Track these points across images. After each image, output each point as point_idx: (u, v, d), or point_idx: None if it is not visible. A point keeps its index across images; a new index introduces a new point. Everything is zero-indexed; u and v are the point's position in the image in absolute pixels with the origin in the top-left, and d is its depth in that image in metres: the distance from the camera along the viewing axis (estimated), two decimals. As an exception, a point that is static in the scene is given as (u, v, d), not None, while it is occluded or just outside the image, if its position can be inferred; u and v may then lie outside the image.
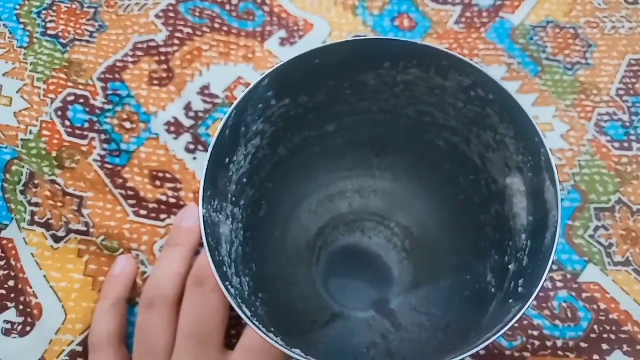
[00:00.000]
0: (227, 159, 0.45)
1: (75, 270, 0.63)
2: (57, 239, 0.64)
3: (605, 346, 0.60)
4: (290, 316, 0.55)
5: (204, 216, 0.40)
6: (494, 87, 0.42)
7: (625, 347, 0.60)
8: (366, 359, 0.54)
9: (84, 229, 0.64)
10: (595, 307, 0.62)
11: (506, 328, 0.36)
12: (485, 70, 0.42)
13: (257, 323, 0.38)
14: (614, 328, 0.61)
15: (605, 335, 0.60)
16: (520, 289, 0.41)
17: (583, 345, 0.60)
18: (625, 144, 0.69)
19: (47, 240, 0.64)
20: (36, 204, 0.65)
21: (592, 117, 0.71)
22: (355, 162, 0.58)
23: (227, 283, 0.39)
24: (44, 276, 0.62)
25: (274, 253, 0.56)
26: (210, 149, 0.41)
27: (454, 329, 0.51)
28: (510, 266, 0.45)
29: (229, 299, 0.37)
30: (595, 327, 0.61)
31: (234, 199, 0.47)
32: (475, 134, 0.48)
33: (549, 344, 0.60)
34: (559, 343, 0.60)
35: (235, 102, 0.42)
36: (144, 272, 0.64)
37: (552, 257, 0.37)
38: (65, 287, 0.62)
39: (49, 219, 0.65)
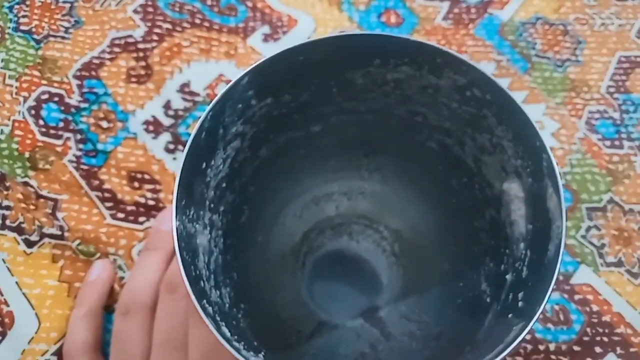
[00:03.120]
0: (204, 164, 0.41)
1: (49, 276, 0.59)
2: (29, 244, 0.60)
3: (598, 349, 0.58)
4: (275, 326, 0.51)
5: (177, 229, 0.36)
6: (492, 87, 0.39)
7: (618, 350, 0.58)
8: (355, 371, 0.50)
9: (59, 232, 0.61)
10: (587, 309, 0.59)
11: (508, 350, 0.33)
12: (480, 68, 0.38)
13: (235, 344, 0.35)
14: (606, 330, 0.59)
15: (598, 338, 0.58)
16: (520, 303, 0.38)
17: (576, 348, 0.58)
18: (616, 142, 0.67)
19: (19, 245, 0.60)
20: (7, 207, 0.62)
21: (582, 115, 0.68)
22: (343, 164, 0.54)
23: (204, 301, 0.36)
24: (16, 283, 0.59)
25: (256, 260, 0.52)
26: (184, 155, 0.37)
27: (447, 339, 0.48)
28: (507, 276, 0.42)
29: (205, 320, 0.33)
30: (588, 329, 0.59)
31: (212, 205, 0.43)
32: (470, 136, 0.44)
33: (541, 347, 0.58)
34: (552, 347, 0.58)
35: (212, 103, 0.38)
36: (122, 277, 0.60)
37: (557, 272, 0.34)
38: (39, 294, 0.59)
39: (21, 223, 0.61)
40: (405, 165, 0.54)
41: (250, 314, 0.46)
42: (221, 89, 0.39)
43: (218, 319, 0.38)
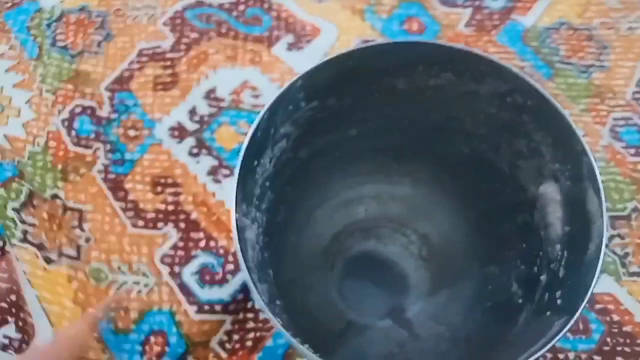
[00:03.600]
0: (256, 162, 0.44)
1: (65, 296, 0.62)
2: (48, 261, 0.64)
3: (619, 359, 0.59)
4: (306, 324, 0.53)
5: (237, 220, 0.38)
6: (534, 93, 0.41)
7: (641, 361, 0.58)
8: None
9: (75, 254, 0.64)
10: (608, 319, 0.60)
11: (553, 342, 0.35)
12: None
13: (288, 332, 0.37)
14: (628, 341, 0.60)
15: (619, 348, 0.59)
16: (559, 301, 0.40)
17: (596, 358, 0.59)
18: (641, 150, 0.67)
19: (38, 259, 0.64)
20: (32, 225, 0.65)
21: (606, 122, 0.69)
22: (374, 168, 0.57)
23: (260, 289, 0.38)
24: (36, 296, 0.62)
25: (290, 259, 0.54)
26: (242, 151, 0.40)
27: (477, 341, 0.50)
28: (541, 277, 0.44)
29: (264, 307, 0.36)
30: (608, 339, 0.60)
31: (257, 202, 0.46)
32: (507, 141, 0.47)
33: (561, 356, 0.59)
34: (571, 356, 0.59)
35: (268, 103, 0.41)
36: (146, 284, 0.63)
37: (599, 269, 0.36)
38: (57, 312, 0.62)
39: (43, 240, 0.64)
40: (436, 170, 0.56)
41: (284, 311, 0.48)
42: (276, 91, 0.42)
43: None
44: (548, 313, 0.39)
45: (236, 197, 0.37)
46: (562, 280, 0.41)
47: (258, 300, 0.35)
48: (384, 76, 0.45)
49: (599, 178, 0.38)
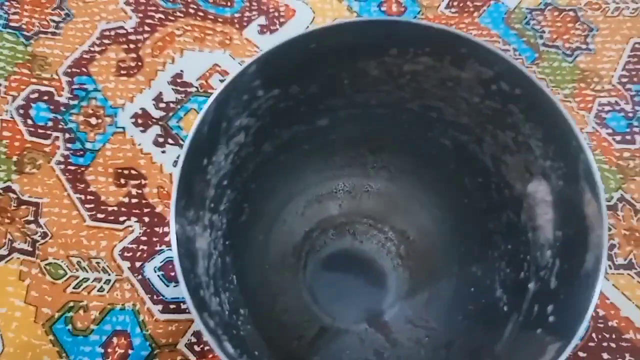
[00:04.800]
0: (205, 160, 0.37)
1: (15, 295, 0.57)
2: None
3: (606, 355, 0.55)
4: (275, 332, 0.48)
5: (177, 233, 0.32)
6: (523, 80, 0.35)
7: (627, 356, 0.55)
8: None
9: (29, 248, 0.58)
10: (593, 314, 0.56)
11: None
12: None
13: None
14: (614, 336, 0.56)
15: (604, 344, 0.56)
16: (551, 318, 0.34)
17: (582, 354, 0.55)
18: (628, 137, 0.64)
19: None
20: None
21: (592, 108, 0.65)
22: (348, 160, 0.51)
23: (206, 314, 0.32)
24: None
25: (256, 261, 0.49)
26: (184, 151, 0.33)
27: (458, 348, 0.45)
28: (529, 285, 0.39)
29: (208, 337, 0.29)
30: (594, 335, 0.56)
31: (212, 205, 0.39)
32: (491, 133, 0.41)
33: None
34: (556, 352, 0.55)
35: (215, 93, 0.34)
36: (108, 280, 0.57)
37: (599, 286, 0.30)
38: (5, 314, 0.56)
39: None
40: (414, 162, 0.50)
41: (249, 320, 0.43)
42: (224, 78, 0.35)
43: (220, 332, 0.34)
44: (539, 331, 0.34)
45: (177, 204, 0.31)
46: (554, 293, 0.35)
47: (202, 330, 0.29)
48: (353, 60, 0.39)
49: (598, 179, 0.32)
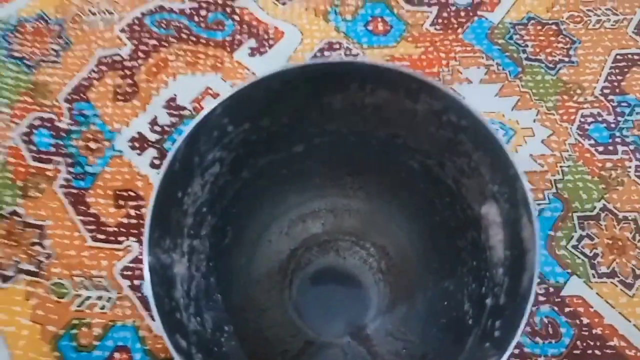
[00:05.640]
0: (180, 193, 0.41)
1: (22, 314, 0.60)
2: (4, 279, 0.61)
3: (590, 362, 0.57)
4: (260, 347, 0.51)
5: (150, 263, 0.36)
6: (466, 113, 0.38)
7: (612, 364, 0.56)
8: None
9: (35, 270, 0.61)
10: (577, 321, 0.58)
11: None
12: (457, 92, 0.38)
13: None
14: (598, 343, 0.58)
15: (589, 351, 0.57)
16: (496, 333, 0.37)
17: None
18: (610, 147, 0.66)
19: None
20: None
21: (575, 120, 0.67)
22: (327, 181, 0.54)
23: (177, 336, 0.36)
24: None
25: (241, 280, 0.52)
26: (156, 187, 0.37)
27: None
28: (487, 300, 0.42)
29: (175, 356, 0.33)
30: (578, 342, 0.58)
31: (191, 231, 0.43)
32: (449, 159, 0.44)
33: None
34: (541, 360, 0.57)
35: (185, 133, 0.38)
36: (109, 298, 0.60)
37: (529, 306, 0.34)
38: (13, 333, 0.59)
39: None
40: (389, 184, 0.53)
41: (234, 336, 0.46)
42: (194, 119, 0.39)
43: (194, 351, 0.37)
44: (487, 345, 0.37)
45: (150, 236, 0.34)
46: (502, 309, 0.38)
47: (170, 350, 0.32)
48: (318, 95, 0.42)
49: (532, 205, 0.35)
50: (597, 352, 0.57)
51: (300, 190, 0.54)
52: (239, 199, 0.48)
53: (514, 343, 0.32)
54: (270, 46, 0.72)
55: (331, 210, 0.57)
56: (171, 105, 0.69)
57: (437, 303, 0.50)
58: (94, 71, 0.70)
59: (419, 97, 0.40)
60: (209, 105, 0.38)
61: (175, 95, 0.69)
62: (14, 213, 0.63)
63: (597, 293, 0.59)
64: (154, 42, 0.72)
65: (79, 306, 0.60)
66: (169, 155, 0.37)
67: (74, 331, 0.59)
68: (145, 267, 0.34)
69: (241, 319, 0.49)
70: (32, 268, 0.61)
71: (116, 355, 0.59)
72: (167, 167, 0.36)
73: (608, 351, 0.57)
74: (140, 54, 0.71)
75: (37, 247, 0.62)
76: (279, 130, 0.45)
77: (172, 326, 0.34)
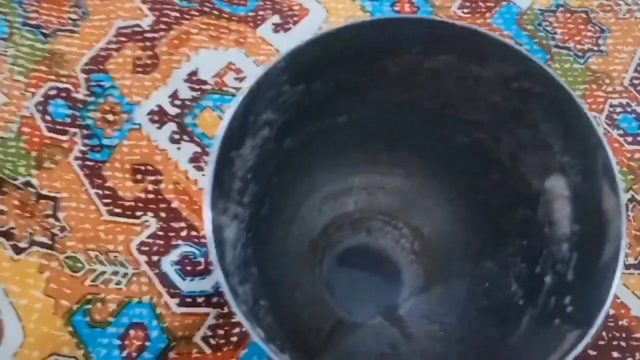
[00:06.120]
0: (234, 153, 0.38)
1: (35, 287, 0.57)
2: (18, 250, 0.59)
3: (616, 354, 0.56)
4: (294, 324, 0.49)
5: (212, 221, 0.33)
6: (545, 79, 0.36)
7: (637, 355, 0.56)
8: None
9: (49, 242, 0.59)
10: None
11: (569, 358, 0.30)
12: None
13: (271, 346, 0.32)
14: (624, 335, 0.57)
15: (615, 343, 0.56)
16: (569, 309, 0.35)
17: (592, 352, 0.56)
18: (639, 138, 0.65)
19: (6, 250, 0.58)
20: (0, 212, 0.60)
21: (603, 109, 0.66)
22: (364, 157, 0.52)
23: (239, 299, 0.33)
24: (3, 290, 0.57)
25: (276, 255, 0.50)
26: (218, 142, 0.34)
27: (473, 342, 0.46)
28: (545, 278, 0.40)
29: (242, 319, 0.31)
30: (604, 334, 0.57)
31: (237, 197, 0.40)
32: (509, 131, 0.42)
33: None
34: (566, 351, 0.56)
35: (246, 88, 0.35)
36: (125, 274, 0.58)
37: (618, 276, 0.31)
38: (26, 306, 0.57)
39: (11, 228, 0.59)
40: (429, 160, 0.51)
41: (269, 311, 0.44)
42: (255, 74, 0.36)
43: (250, 317, 0.35)
44: (557, 321, 0.35)
45: (212, 193, 0.32)
46: (571, 285, 0.36)
47: (237, 313, 0.30)
48: (374, 58, 0.40)
49: (617, 174, 0.33)
50: (622, 343, 0.56)
51: (336, 165, 0.52)
52: (280, 169, 0.45)
53: (601, 317, 0.30)
54: (295, 23, 0.70)
55: (365, 187, 0.55)
56: (192, 79, 0.67)
57: (476, 285, 0.48)
58: (112, 42, 0.68)
59: (488, 61, 0.38)
60: (272, 59, 0.35)
61: (197, 69, 0.67)
62: (28, 184, 0.61)
63: (624, 284, 0.58)
64: (176, 14, 0.69)
65: (93, 281, 0.58)
66: (231, 110, 0.34)
67: (88, 306, 0.57)
68: (208, 223, 0.31)
69: (275, 294, 0.46)
70: (46, 240, 0.59)
71: (131, 332, 0.57)
72: (230, 120, 0.34)
73: (634, 343, 0.56)
74: (162, 25, 0.68)
75: (51, 220, 0.59)
76: (328, 96, 0.43)
77: (232, 290, 0.32)
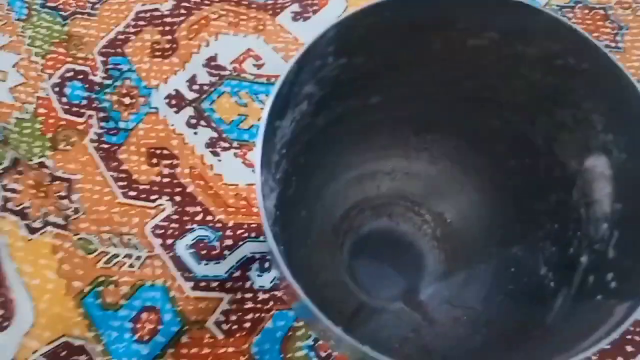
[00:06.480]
0: (278, 122, 0.38)
1: (48, 268, 0.57)
2: (32, 230, 0.59)
3: (629, 348, 0.56)
4: (318, 305, 0.48)
5: (262, 184, 0.32)
6: (592, 54, 0.36)
7: (652, 350, 0.55)
8: (400, 356, 0.47)
9: (63, 222, 0.59)
10: None
11: (621, 329, 0.30)
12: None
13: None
14: (638, 329, 0.56)
15: (629, 337, 0.56)
16: (612, 284, 0.35)
17: (605, 346, 0.55)
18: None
19: (19, 229, 0.58)
20: (13, 190, 0.60)
21: (620, 106, 0.65)
22: (391, 142, 0.52)
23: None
24: (16, 269, 0.57)
25: (301, 236, 0.49)
26: (268, 107, 0.34)
27: (500, 325, 0.45)
28: (581, 259, 0.39)
29: (292, 282, 0.30)
30: (618, 327, 0.56)
31: (273, 170, 0.40)
32: (547, 112, 0.41)
33: None
34: (579, 344, 0.55)
35: (297, 55, 0.35)
36: (139, 257, 0.58)
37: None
38: (38, 286, 0.57)
39: (25, 208, 0.59)
40: (457, 145, 0.51)
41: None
42: (306, 43, 0.36)
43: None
44: (599, 297, 0.34)
45: (262, 157, 0.31)
46: (613, 262, 0.36)
47: (282, 268, 0.29)
48: (419, 33, 0.39)
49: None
50: (636, 337, 0.56)
51: (363, 148, 0.51)
52: (309, 148, 0.45)
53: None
54: (315, 12, 0.70)
55: (389, 172, 0.55)
56: (211, 64, 0.66)
57: (502, 270, 0.48)
58: (131, 25, 0.68)
59: (534, 38, 0.37)
60: (320, 29, 0.35)
61: (216, 54, 0.67)
62: (43, 165, 0.60)
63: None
64: (196, -1, 0.68)
65: (106, 263, 0.58)
66: (282, 77, 0.34)
67: (100, 289, 0.57)
68: (259, 185, 0.31)
69: (300, 274, 0.45)
70: (59, 221, 0.58)
71: (144, 315, 0.57)
72: (280, 86, 0.33)
73: (649, 337, 0.55)
74: (181, 10, 0.68)
75: (65, 201, 0.59)
76: (367, 73, 0.42)
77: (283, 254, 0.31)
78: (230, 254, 0.59)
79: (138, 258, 0.58)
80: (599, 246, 0.38)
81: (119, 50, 0.67)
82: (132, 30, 0.68)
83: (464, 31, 0.39)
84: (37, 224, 0.59)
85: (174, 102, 0.64)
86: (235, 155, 0.62)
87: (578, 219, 0.41)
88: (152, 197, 0.61)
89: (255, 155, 0.32)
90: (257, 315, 0.57)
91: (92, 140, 0.62)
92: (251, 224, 0.59)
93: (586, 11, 0.72)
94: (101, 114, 0.64)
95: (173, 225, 0.60)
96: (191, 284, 0.58)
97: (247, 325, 0.56)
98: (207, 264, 0.58)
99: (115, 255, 0.58)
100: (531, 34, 0.37)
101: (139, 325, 0.56)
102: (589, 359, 0.31)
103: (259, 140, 0.32)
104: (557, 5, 0.71)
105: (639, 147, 0.35)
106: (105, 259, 0.58)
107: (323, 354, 0.55)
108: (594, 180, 0.39)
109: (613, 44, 0.69)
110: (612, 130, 0.37)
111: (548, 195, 0.44)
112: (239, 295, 0.58)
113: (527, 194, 0.46)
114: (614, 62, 0.34)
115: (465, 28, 0.38)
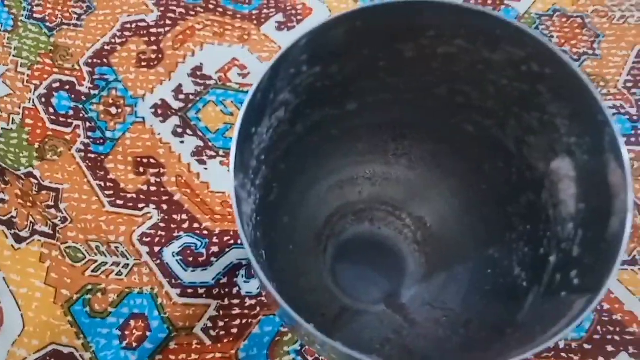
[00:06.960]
0: (254, 129, 0.39)
1: (36, 276, 0.59)
2: (19, 239, 0.60)
3: (610, 348, 0.58)
4: (300, 309, 0.50)
5: (235, 188, 0.34)
6: (554, 60, 0.38)
7: (631, 349, 0.58)
8: (382, 356, 0.49)
9: (50, 232, 0.61)
10: (598, 307, 0.59)
11: (578, 321, 0.32)
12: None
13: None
14: (618, 329, 0.59)
15: (609, 337, 0.58)
16: (575, 281, 0.37)
17: (586, 346, 0.58)
18: (632, 139, 0.67)
19: (7, 239, 0.60)
20: (1, 200, 0.62)
21: (598, 111, 0.67)
22: (371, 147, 0.54)
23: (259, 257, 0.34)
24: (3, 278, 0.59)
25: (283, 241, 0.51)
26: (242, 112, 0.36)
27: (478, 325, 0.47)
28: (550, 258, 0.41)
29: (266, 284, 0.32)
30: (598, 327, 0.59)
31: (252, 176, 0.42)
32: (515, 116, 0.44)
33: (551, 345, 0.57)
34: (561, 344, 0.58)
35: (271, 62, 0.37)
36: (127, 265, 0.59)
37: (625, 244, 0.33)
38: (26, 294, 0.58)
39: (12, 217, 0.61)
40: (434, 150, 0.53)
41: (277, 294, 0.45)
42: (281, 50, 0.38)
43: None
44: (563, 294, 0.36)
45: (235, 161, 0.33)
46: (577, 260, 0.38)
47: (260, 275, 0.31)
48: (393, 41, 0.41)
49: (624, 148, 0.35)
50: (616, 337, 0.58)
51: (342, 154, 0.53)
52: (289, 154, 0.47)
53: (610, 279, 0.32)
54: (299, 21, 0.72)
55: (369, 178, 0.56)
56: (197, 74, 0.68)
57: (479, 272, 0.50)
58: (117, 36, 0.69)
59: (498, 44, 0.39)
60: (293, 37, 0.37)
61: (201, 64, 0.68)
62: (30, 174, 0.62)
63: (618, 280, 0.60)
64: (181, 10, 0.71)
65: (94, 271, 0.59)
66: (255, 85, 0.36)
67: (88, 297, 0.58)
68: (234, 190, 0.33)
69: (281, 280, 0.47)
70: (47, 230, 0.60)
71: (132, 322, 0.58)
72: (254, 92, 0.35)
73: (627, 337, 0.58)
74: (167, 21, 0.70)
75: (53, 210, 0.61)
76: (342, 81, 0.44)
77: (258, 257, 0.33)
78: (217, 260, 0.60)
79: (125, 266, 0.59)
80: (565, 245, 0.40)
81: (105, 60, 0.69)
82: (118, 40, 0.69)
83: (434, 39, 0.41)
84: (24, 233, 0.60)
85: (160, 111, 0.66)
86: (221, 163, 0.64)
87: (547, 219, 0.43)
88: (139, 206, 0.62)
89: (230, 158, 0.33)
90: (245, 321, 0.58)
91: (79, 150, 0.64)
92: (237, 231, 0.61)
93: (564, 19, 0.74)
94: (88, 124, 0.65)
95: (160, 233, 0.61)
96: (178, 290, 0.59)
97: (235, 331, 0.58)
98: (194, 271, 0.60)
99: (103, 264, 0.60)
100: (496, 41, 0.39)
101: (127, 332, 0.58)
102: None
103: (233, 144, 0.34)
104: (536, 14, 0.73)
105: (599, 148, 0.37)
106: (93, 267, 0.60)
107: (310, 358, 0.57)
108: (559, 181, 0.41)
109: (591, 51, 0.71)
110: (575, 133, 0.39)
111: (520, 197, 0.46)
112: (226, 302, 0.59)
113: (501, 197, 0.48)
114: (573, 68, 0.36)
115: (435, 36, 0.40)
